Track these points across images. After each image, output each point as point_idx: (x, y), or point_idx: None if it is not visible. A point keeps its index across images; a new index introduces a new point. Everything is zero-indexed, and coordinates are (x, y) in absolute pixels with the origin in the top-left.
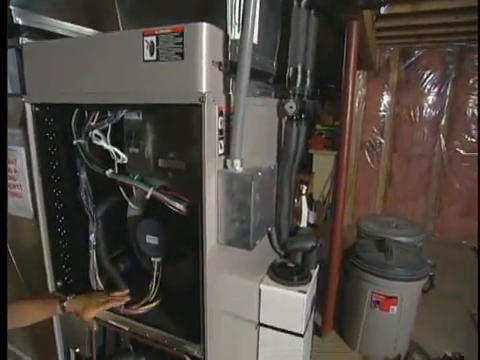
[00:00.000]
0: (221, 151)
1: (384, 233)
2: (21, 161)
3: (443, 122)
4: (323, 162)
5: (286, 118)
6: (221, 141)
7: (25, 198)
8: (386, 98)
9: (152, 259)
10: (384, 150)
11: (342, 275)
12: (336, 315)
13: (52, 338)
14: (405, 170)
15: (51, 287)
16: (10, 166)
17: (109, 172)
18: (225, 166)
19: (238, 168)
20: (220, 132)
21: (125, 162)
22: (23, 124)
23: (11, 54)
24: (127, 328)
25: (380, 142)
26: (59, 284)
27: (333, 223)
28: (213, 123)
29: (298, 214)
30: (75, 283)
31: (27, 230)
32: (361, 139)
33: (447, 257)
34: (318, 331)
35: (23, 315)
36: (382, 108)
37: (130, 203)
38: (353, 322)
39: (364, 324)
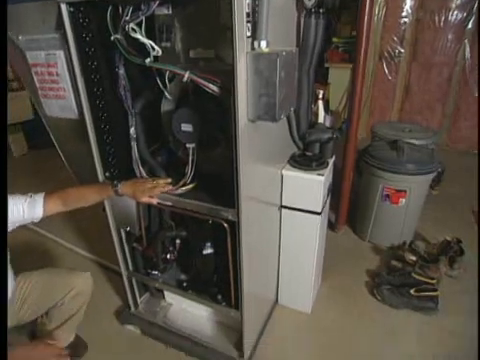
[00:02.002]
0: (248, 34)
1: (397, 136)
2: (62, 64)
3: (470, 26)
4: (339, 76)
5: (305, 12)
6: (248, 24)
7: (69, 99)
8: (409, 2)
9: (187, 145)
10: (403, 60)
11: (355, 175)
12: (348, 212)
13: (106, 222)
14: (424, 80)
15: (101, 178)
16: (51, 70)
17: (148, 60)
18: (253, 48)
19: (265, 48)
20: (247, 15)
21: (159, 55)
22: (59, 27)
23: None
24: (170, 203)
25: (399, 52)
26: (107, 175)
27: (348, 130)
28: (241, 6)
29: (315, 117)
30: (120, 173)
31: (71, 130)
32: (379, 49)
33: (457, 164)
34: (332, 227)
35: (81, 197)
36: (404, 14)
37: (166, 93)
38: (364, 216)
39: (374, 217)
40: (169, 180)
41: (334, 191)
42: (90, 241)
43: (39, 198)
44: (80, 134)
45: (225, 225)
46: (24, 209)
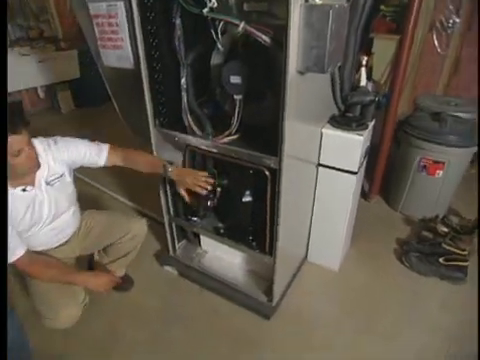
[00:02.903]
0: None
1: (441, 109)
2: (121, 14)
3: None
4: (384, 47)
5: None
6: None
7: (126, 49)
8: None
9: (235, 97)
10: (457, 31)
11: (392, 146)
12: (382, 182)
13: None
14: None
15: (152, 125)
16: (111, 20)
17: (206, 10)
18: (306, 0)
19: (317, 0)
20: None
21: (215, 6)
22: None
23: None
24: (215, 150)
25: (454, 22)
26: (157, 122)
27: (388, 104)
28: None
29: (357, 82)
30: (169, 122)
31: (126, 80)
32: (431, 19)
33: None
34: (364, 196)
35: (136, 163)
36: None
37: (218, 44)
38: (398, 186)
39: (408, 188)
40: (211, 181)
41: (369, 160)
42: (132, 192)
43: (105, 148)
44: (133, 84)
45: (266, 173)
46: (91, 153)
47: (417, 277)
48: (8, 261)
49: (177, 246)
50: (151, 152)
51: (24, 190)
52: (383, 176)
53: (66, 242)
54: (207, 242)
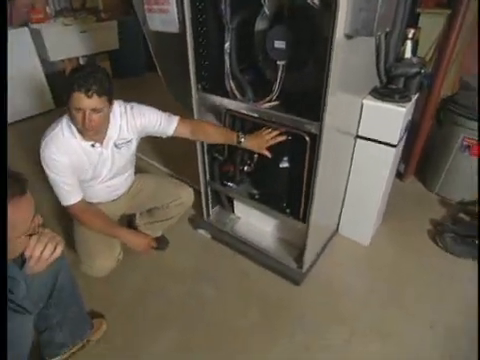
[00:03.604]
0: None
1: None
2: None
3: None
4: (431, 23)
5: None
6: None
7: (171, 13)
8: None
9: (278, 63)
10: None
11: (433, 126)
12: (419, 162)
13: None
14: None
15: (194, 89)
16: None
17: None
18: None
19: None
20: None
21: None
22: None
23: None
24: (256, 115)
25: None
26: (199, 86)
27: (431, 84)
28: None
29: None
30: (211, 86)
31: (171, 43)
32: None
33: None
34: (399, 175)
35: (209, 135)
36: None
37: (265, 8)
38: (437, 167)
39: (448, 168)
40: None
41: (407, 140)
42: (167, 159)
43: (175, 119)
44: (177, 49)
45: (306, 138)
46: (162, 122)
47: (451, 258)
48: (65, 204)
49: (211, 211)
50: (192, 117)
51: (93, 145)
52: (420, 156)
53: (115, 200)
54: (240, 209)
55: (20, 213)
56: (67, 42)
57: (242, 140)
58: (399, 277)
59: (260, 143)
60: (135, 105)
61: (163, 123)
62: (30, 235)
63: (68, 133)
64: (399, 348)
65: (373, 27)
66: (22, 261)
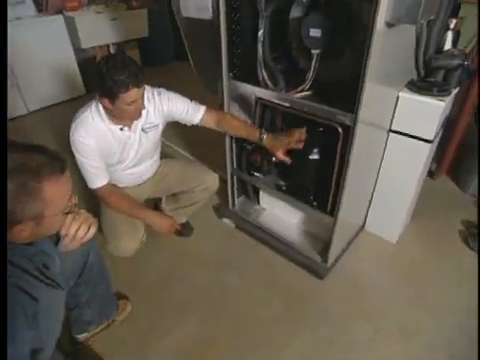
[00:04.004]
0: None
1: None
2: None
3: None
4: (473, 13)
5: None
6: None
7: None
8: None
9: (312, 51)
10: None
11: (471, 123)
12: (453, 161)
13: None
14: None
15: (225, 77)
16: None
17: None
18: None
19: None
20: None
21: None
22: None
23: None
24: (288, 104)
25: None
26: (231, 74)
27: (470, 78)
28: None
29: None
30: (242, 74)
31: (204, 30)
32: None
33: None
34: (431, 174)
35: (233, 128)
36: None
37: None
38: (473, 165)
39: None
40: (304, 136)
41: (442, 136)
42: (194, 147)
43: (202, 108)
44: (210, 36)
45: (339, 130)
46: (189, 110)
47: None
48: (92, 187)
49: (236, 201)
50: (222, 105)
51: (121, 129)
52: (454, 154)
53: (140, 184)
54: (266, 200)
55: (59, 190)
56: (98, 29)
57: (264, 136)
58: (427, 277)
59: (276, 144)
60: (163, 91)
61: (190, 111)
62: (67, 213)
63: (97, 117)
64: (423, 350)
65: (418, 14)
66: (57, 239)
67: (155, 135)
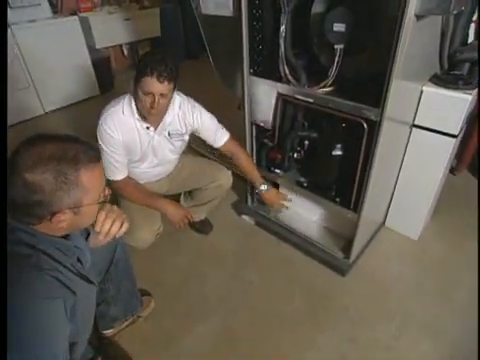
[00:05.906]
0: None
1: None
2: None
3: None
4: None
5: None
6: None
7: None
8: None
9: (335, 46)
10: None
11: None
12: (474, 156)
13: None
14: None
15: (246, 73)
16: None
17: None
18: None
19: None
20: None
21: None
22: None
23: None
24: (311, 100)
25: None
26: (252, 70)
27: None
28: None
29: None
30: (263, 70)
31: (223, 26)
32: None
33: None
34: (452, 169)
35: (239, 162)
36: None
37: None
38: None
39: None
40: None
41: (465, 131)
42: None
43: (226, 135)
44: (229, 33)
45: (364, 125)
46: (215, 133)
47: None
48: (111, 178)
49: (255, 197)
50: (242, 102)
51: (148, 128)
52: (476, 149)
53: (157, 180)
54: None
55: (95, 179)
56: (112, 30)
57: (263, 187)
58: (450, 274)
59: (273, 200)
60: (197, 104)
61: (216, 135)
62: (102, 203)
63: (128, 112)
64: (450, 349)
65: (450, 4)
66: (87, 234)
67: (180, 143)
